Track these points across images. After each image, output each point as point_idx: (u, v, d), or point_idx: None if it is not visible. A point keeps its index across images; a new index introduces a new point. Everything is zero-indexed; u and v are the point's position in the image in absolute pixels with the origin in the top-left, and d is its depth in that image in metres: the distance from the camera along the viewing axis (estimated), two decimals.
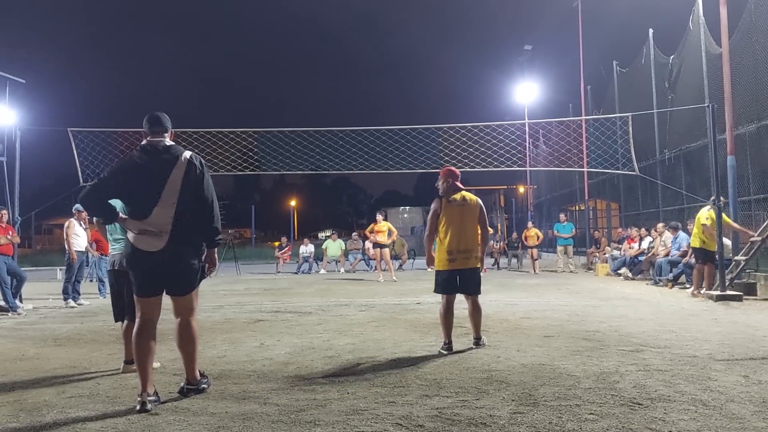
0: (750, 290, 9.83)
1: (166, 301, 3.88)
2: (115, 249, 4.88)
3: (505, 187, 43.53)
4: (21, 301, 9.45)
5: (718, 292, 9.14)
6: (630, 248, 14.20)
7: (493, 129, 12.71)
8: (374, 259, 16.11)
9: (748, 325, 6.68)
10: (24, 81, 11.74)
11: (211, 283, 13.90)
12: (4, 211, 9.41)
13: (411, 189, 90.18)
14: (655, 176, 14.93)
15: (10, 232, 9.42)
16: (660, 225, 13.01)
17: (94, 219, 5.37)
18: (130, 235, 3.72)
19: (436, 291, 5.53)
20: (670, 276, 11.44)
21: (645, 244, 13.63)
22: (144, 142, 3.85)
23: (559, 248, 17.58)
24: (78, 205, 10.40)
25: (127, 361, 4.70)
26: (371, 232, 14.90)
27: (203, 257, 3.88)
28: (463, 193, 5.56)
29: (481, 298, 5.64)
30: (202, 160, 3.83)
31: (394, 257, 18.29)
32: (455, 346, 5.39)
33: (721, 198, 9.66)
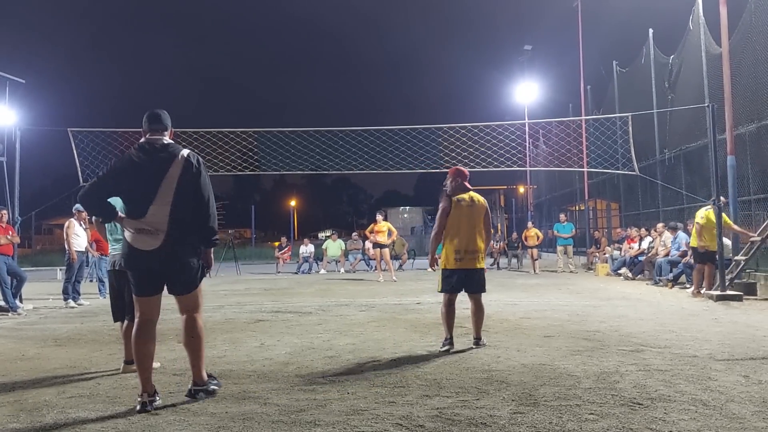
0: (750, 290, 9.83)
1: (166, 301, 3.87)
2: (115, 249, 4.87)
3: (505, 187, 43.57)
4: (21, 301, 9.45)
5: (718, 292, 9.14)
6: (630, 248, 14.20)
7: (493, 129, 12.71)
8: (374, 259, 16.11)
9: (748, 325, 6.68)
10: (24, 81, 11.75)
11: (211, 284, 13.91)
12: (4, 211, 9.41)
13: (411, 189, 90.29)
14: (655, 176, 14.93)
15: (10, 232, 9.42)
16: (660, 225, 13.01)
17: (93, 218, 5.35)
18: (127, 234, 3.70)
19: (443, 290, 5.54)
20: (670, 276, 11.45)
21: (645, 244, 13.63)
22: (142, 140, 3.82)
23: (559, 248, 17.59)
24: (78, 205, 10.40)
25: (127, 361, 4.70)
26: (371, 232, 14.90)
27: (201, 256, 3.86)
28: (471, 193, 5.61)
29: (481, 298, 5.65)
30: (201, 159, 3.80)
31: (394, 257, 18.29)
32: (455, 346, 5.40)
33: (721, 198, 9.67)
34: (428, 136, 13.05)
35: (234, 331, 6.79)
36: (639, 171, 12.38)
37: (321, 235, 50.82)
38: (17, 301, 9.22)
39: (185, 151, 3.75)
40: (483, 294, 5.64)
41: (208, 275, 3.99)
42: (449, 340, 5.38)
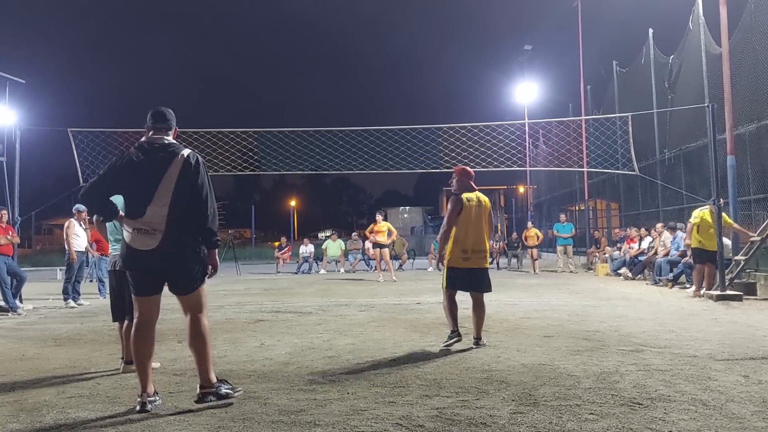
0: (750, 290, 9.84)
1: (165, 301, 3.86)
2: (116, 249, 4.87)
3: (505, 187, 43.55)
4: (21, 301, 9.45)
5: (718, 292, 9.14)
6: (630, 248, 14.20)
7: (493, 129, 12.71)
8: (374, 259, 16.11)
9: (748, 324, 6.68)
10: (24, 81, 11.74)
11: (211, 283, 13.87)
12: (4, 212, 9.41)
13: (411, 189, 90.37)
14: (655, 176, 14.93)
15: (10, 232, 9.42)
16: (659, 225, 13.02)
17: (94, 218, 5.34)
18: (126, 234, 3.69)
19: (447, 286, 5.59)
20: (670, 276, 11.45)
21: (645, 244, 13.63)
22: (143, 138, 3.79)
23: (559, 248, 17.59)
24: (78, 206, 10.41)
25: (127, 361, 4.70)
26: (371, 232, 14.90)
27: (204, 258, 3.79)
28: (477, 193, 5.67)
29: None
30: (201, 159, 3.75)
31: (394, 257, 18.30)
32: (456, 346, 5.42)
33: (720, 199, 9.67)
34: (428, 136, 13.06)
35: (234, 331, 6.79)
36: (639, 171, 12.38)
37: (321, 235, 50.85)
38: (17, 302, 9.22)
39: (185, 151, 3.70)
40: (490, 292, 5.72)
41: (208, 277, 3.88)
42: (456, 333, 5.46)
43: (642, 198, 17.02)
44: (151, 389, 3.67)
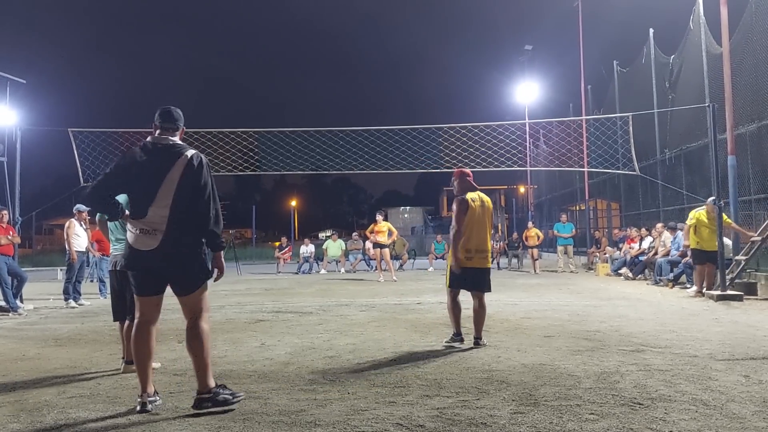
0: (750, 290, 9.83)
1: (165, 301, 3.86)
2: (116, 249, 4.87)
3: (506, 186, 43.58)
4: (22, 301, 9.45)
5: (718, 292, 9.13)
6: (630, 248, 14.20)
7: (494, 129, 12.72)
8: (374, 259, 16.11)
9: (748, 324, 6.68)
10: (24, 81, 11.75)
11: (212, 284, 13.88)
12: (5, 212, 9.41)
13: (411, 189, 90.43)
14: (656, 176, 14.92)
15: (11, 233, 9.42)
16: (659, 225, 13.02)
17: (97, 218, 5.33)
18: (129, 235, 3.68)
19: (451, 285, 5.64)
20: (671, 276, 11.44)
21: (645, 244, 13.63)
22: (149, 138, 3.76)
23: (560, 248, 17.59)
24: (79, 206, 10.41)
25: (127, 361, 4.70)
26: (371, 232, 14.90)
27: (205, 259, 3.75)
28: (479, 193, 5.74)
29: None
30: (205, 160, 3.70)
31: (395, 257, 18.30)
32: (456, 346, 5.43)
33: (721, 199, 9.68)
34: (428, 136, 13.06)
35: (234, 331, 6.79)
36: (639, 171, 12.39)
37: (321, 235, 50.88)
38: (18, 302, 9.22)
39: (189, 152, 3.66)
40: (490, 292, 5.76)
41: (215, 279, 3.83)
42: (459, 336, 5.54)
43: (642, 198, 17.02)
44: (151, 389, 3.66)
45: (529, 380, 4.17)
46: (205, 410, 3.52)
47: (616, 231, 17.86)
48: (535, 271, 16.54)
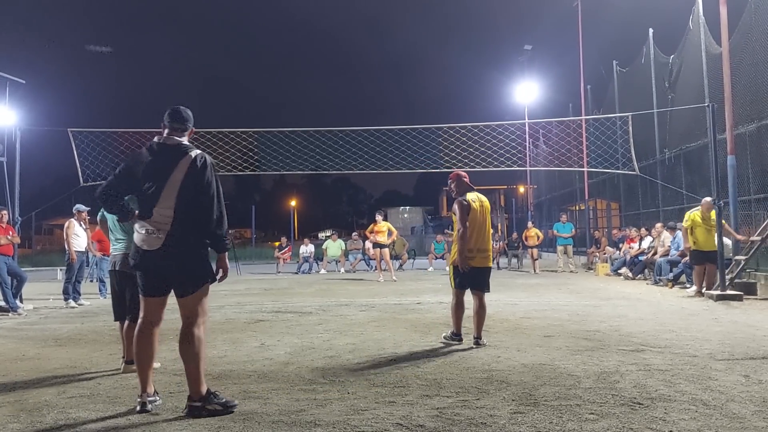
0: (750, 290, 9.84)
1: (167, 301, 3.85)
2: (116, 249, 4.87)
3: (505, 186, 43.58)
4: (21, 301, 9.45)
5: (718, 292, 9.14)
6: (630, 248, 14.20)
7: (493, 129, 12.72)
8: (374, 259, 16.11)
9: (748, 324, 6.68)
10: (24, 81, 11.75)
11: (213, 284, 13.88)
12: (5, 212, 9.41)
13: (411, 189, 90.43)
14: (655, 176, 14.93)
15: (11, 233, 9.42)
16: (658, 225, 13.02)
17: (98, 218, 5.32)
18: (136, 235, 3.68)
19: (457, 286, 5.68)
20: (670, 276, 11.45)
21: (645, 244, 13.63)
22: (156, 138, 3.74)
23: (559, 248, 17.60)
24: (78, 206, 10.41)
25: (127, 361, 4.70)
26: (371, 232, 14.91)
27: (206, 260, 3.73)
28: (477, 194, 5.82)
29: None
30: (209, 161, 3.66)
31: (394, 257, 18.30)
32: (456, 346, 5.46)
33: (720, 198, 9.69)
34: (428, 136, 13.07)
35: (234, 331, 6.79)
36: (639, 171, 12.39)
37: (321, 235, 50.86)
38: (17, 302, 9.22)
39: (194, 152, 3.64)
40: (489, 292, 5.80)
41: (219, 281, 3.79)
42: (459, 336, 5.61)
43: (642, 198, 17.03)
44: (151, 389, 3.66)
45: (529, 380, 4.17)
46: (196, 415, 3.46)
47: (615, 231, 17.84)
48: (534, 271, 16.55)
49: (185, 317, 3.66)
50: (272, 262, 22.38)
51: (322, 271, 18.83)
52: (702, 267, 9.84)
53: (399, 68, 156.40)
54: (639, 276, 13.45)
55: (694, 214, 9.99)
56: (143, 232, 3.62)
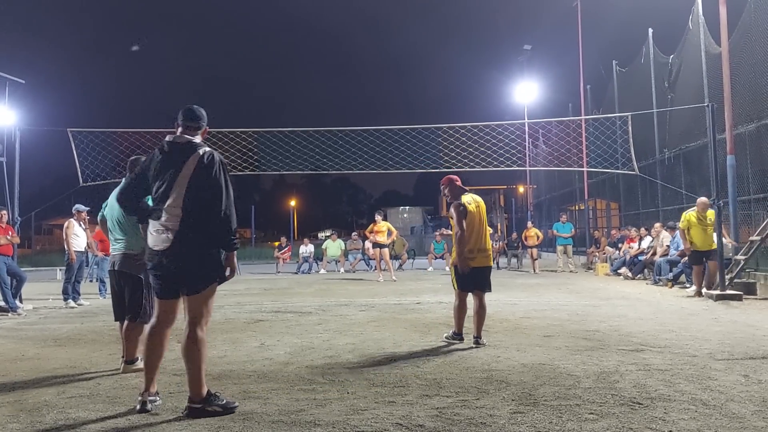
0: (750, 290, 9.84)
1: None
2: (115, 249, 4.87)
3: (505, 186, 43.62)
4: (21, 301, 9.44)
5: (718, 292, 9.14)
6: (630, 248, 14.21)
7: (493, 129, 12.73)
8: (374, 259, 16.12)
9: (748, 324, 6.68)
10: (24, 81, 11.76)
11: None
12: (4, 212, 9.41)
13: (411, 189, 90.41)
14: (655, 176, 14.94)
15: (10, 233, 9.42)
16: (657, 225, 13.03)
17: (98, 218, 5.31)
18: (149, 235, 3.66)
19: (460, 287, 5.70)
20: (670, 276, 11.45)
21: (645, 244, 13.64)
22: (168, 137, 3.72)
23: (559, 248, 17.60)
24: (78, 206, 10.40)
25: (127, 360, 4.70)
26: (371, 232, 14.91)
27: (215, 260, 3.68)
28: (471, 195, 5.86)
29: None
30: (218, 158, 3.62)
31: (394, 257, 18.30)
32: (455, 346, 5.47)
33: (720, 198, 9.70)
34: (428, 136, 13.08)
35: (234, 331, 6.78)
36: (639, 171, 12.40)
37: (321, 235, 50.88)
38: (17, 302, 9.21)
39: (202, 150, 3.61)
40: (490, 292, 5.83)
41: (223, 280, 3.74)
42: (460, 335, 5.64)
43: (642, 198, 17.03)
44: (154, 389, 3.67)
45: (529, 380, 4.17)
46: (194, 417, 3.45)
47: (613, 232, 17.85)
48: (534, 270, 16.55)
49: (190, 316, 3.62)
50: (272, 262, 22.37)
51: (322, 271, 18.83)
52: (701, 267, 9.84)
53: (399, 68, 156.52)
54: (638, 276, 13.46)
55: (689, 215, 9.98)
56: (153, 231, 3.61)
